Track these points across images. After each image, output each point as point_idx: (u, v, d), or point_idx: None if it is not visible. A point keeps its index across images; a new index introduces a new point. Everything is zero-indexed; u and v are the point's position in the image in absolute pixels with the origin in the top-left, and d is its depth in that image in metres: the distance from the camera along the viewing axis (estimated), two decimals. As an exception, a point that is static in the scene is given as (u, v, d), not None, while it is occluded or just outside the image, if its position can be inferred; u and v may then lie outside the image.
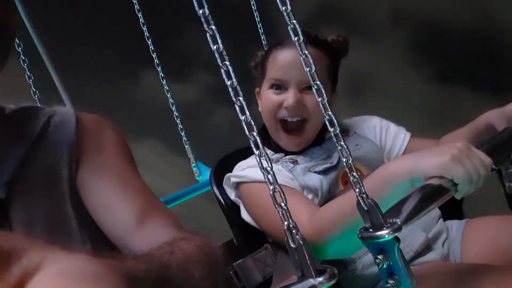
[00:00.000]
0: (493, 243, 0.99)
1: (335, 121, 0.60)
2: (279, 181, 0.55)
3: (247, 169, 0.98)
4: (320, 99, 0.60)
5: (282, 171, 0.98)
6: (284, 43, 1.00)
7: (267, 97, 1.01)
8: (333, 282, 0.50)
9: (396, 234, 0.55)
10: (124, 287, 0.26)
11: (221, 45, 0.50)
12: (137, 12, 1.72)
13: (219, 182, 1.08)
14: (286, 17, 0.57)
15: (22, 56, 1.53)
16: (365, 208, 0.57)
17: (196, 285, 0.48)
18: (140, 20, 1.72)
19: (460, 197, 0.66)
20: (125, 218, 0.62)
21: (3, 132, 0.64)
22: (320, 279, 0.49)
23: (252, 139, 0.53)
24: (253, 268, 0.88)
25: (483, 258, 0.97)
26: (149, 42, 1.74)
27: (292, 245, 0.51)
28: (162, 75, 1.78)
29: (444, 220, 1.08)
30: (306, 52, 0.59)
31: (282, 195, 0.53)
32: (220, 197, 1.08)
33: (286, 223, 0.52)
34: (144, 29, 1.73)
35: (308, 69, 0.60)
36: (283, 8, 0.58)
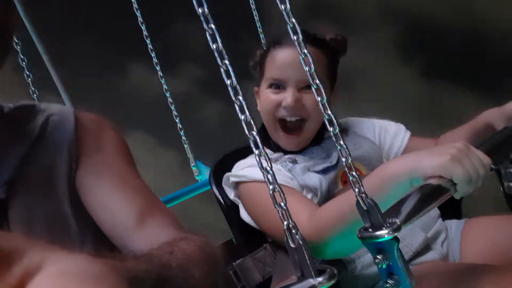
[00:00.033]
0: (492, 243, 0.99)
1: (335, 120, 0.60)
2: (278, 181, 0.55)
3: (246, 169, 0.98)
4: (319, 99, 0.60)
5: (282, 171, 0.98)
6: (282, 42, 1.00)
7: (266, 97, 1.01)
8: (332, 282, 0.50)
9: (396, 234, 0.55)
10: (124, 287, 0.26)
11: (220, 44, 0.50)
12: (135, 8, 1.71)
13: (218, 182, 1.07)
14: (286, 16, 0.57)
15: (20, 55, 1.53)
16: (365, 208, 0.57)
17: (196, 285, 0.48)
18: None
19: (459, 197, 0.66)
20: (125, 218, 0.62)
21: (3, 131, 0.64)
22: (320, 279, 0.50)
23: (252, 138, 0.53)
24: (252, 268, 0.88)
25: (482, 258, 0.97)
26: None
27: (292, 245, 0.51)
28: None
29: (443, 220, 1.08)
30: (305, 51, 0.59)
31: (281, 194, 0.53)
32: (220, 197, 1.08)
33: (285, 223, 0.52)
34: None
35: (307, 69, 0.60)
36: (282, 7, 0.58)
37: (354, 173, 0.58)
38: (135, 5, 1.71)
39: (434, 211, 1.06)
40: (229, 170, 1.03)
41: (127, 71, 2.84)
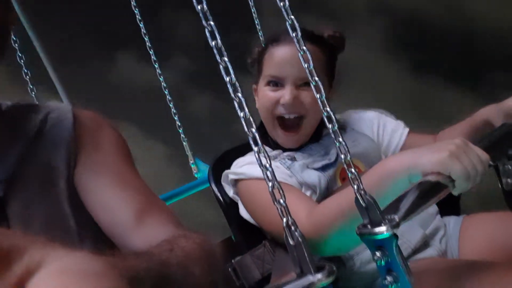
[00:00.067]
0: (491, 239, 1.00)
1: (334, 117, 0.60)
2: (277, 178, 0.55)
3: (245, 166, 0.98)
4: (318, 96, 0.60)
5: (280, 168, 0.98)
6: (280, 39, 1.00)
7: (264, 94, 1.01)
8: (332, 279, 0.50)
9: (395, 230, 0.55)
10: (124, 285, 0.26)
11: (219, 41, 0.50)
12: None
13: (217, 179, 1.07)
14: (284, 13, 0.57)
15: (18, 53, 1.52)
16: (363, 205, 0.57)
17: (196, 282, 0.48)
18: (132, 3, 1.69)
19: (457, 193, 0.66)
20: (124, 216, 0.61)
21: (1, 129, 0.64)
22: (319, 275, 0.50)
23: (251, 135, 0.53)
24: (251, 265, 0.88)
25: (480, 254, 0.98)
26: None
27: (291, 242, 0.51)
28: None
29: (442, 216, 1.08)
30: (304, 48, 0.59)
31: (280, 191, 0.53)
32: (219, 194, 1.08)
33: (285, 219, 0.52)
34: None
35: (306, 65, 0.60)
36: (281, 4, 0.57)
37: (353, 170, 0.58)
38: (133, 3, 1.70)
39: (432, 208, 1.06)
40: (228, 167, 1.03)
41: (116, 61, 2.81)
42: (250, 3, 1.70)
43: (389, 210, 0.58)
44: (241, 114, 0.52)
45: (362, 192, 0.57)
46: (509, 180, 0.74)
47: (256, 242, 0.94)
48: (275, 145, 1.04)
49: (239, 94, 0.52)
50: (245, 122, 0.53)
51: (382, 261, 0.55)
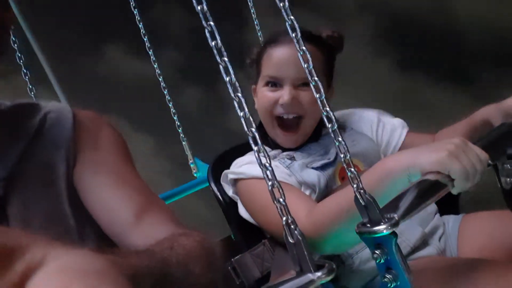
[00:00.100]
0: (489, 238, 1.00)
1: (333, 117, 0.60)
2: (277, 178, 0.55)
3: (244, 166, 0.98)
4: (318, 95, 0.60)
5: (280, 168, 0.98)
6: (278, 40, 1.00)
7: (263, 95, 1.01)
8: (331, 277, 0.50)
9: (394, 229, 0.55)
10: (126, 283, 0.26)
11: (219, 41, 0.50)
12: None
13: (217, 179, 1.08)
14: (284, 13, 0.57)
15: (17, 53, 1.53)
16: (363, 204, 0.57)
17: (196, 280, 0.48)
18: None
19: (456, 192, 0.66)
20: (123, 215, 0.62)
21: (0, 129, 0.64)
22: (319, 274, 0.50)
23: (251, 135, 0.53)
24: (251, 264, 0.88)
25: (479, 253, 0.98)
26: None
27: (291, 240, 0.51)
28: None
29: (441, 215, 1.08)
30: (303, 48, 0.59)
31: (280, 190, 0.53)
32: (218, 194, 1.08)
33: (284, 218, 0.52)
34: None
35: (306, 65, 0.60)
36: (281, 4, 0.58)
37: (352, 169, 0.58)
38: None
39: (432, 207, 1.06)
40: (228, 167, 1.03)
41: (104, 54, 2.77)
42: (249, 3, 1.70)
43: (388, 209, 0.58)
44: (241, 114, 0.52)
45: (362, 191, 0.57)
46: (508, 179, 0.75)
47: (255, 241, 0.94)
48: (274, 145, 1.04)
49: (239, 94, 0.52)
50: (245, 122, 0.53)
51: (382, 260, 0.56)
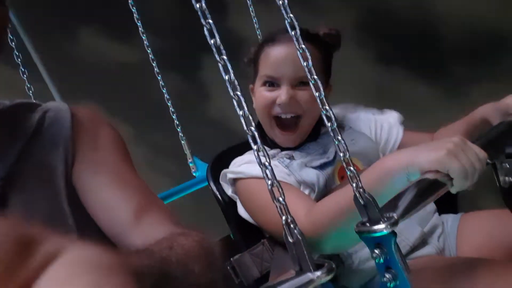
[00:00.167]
0: (488, 237, 1.00)
1: (333, 116, 0.60)
2: (276, 177, 0.55)
3: (243, 165, 0.98)
4: (317, 94, 0.60)
5: (279, 167, 0.98)
6: (276, 39, 1.00)
7: (261, 94, 1.01)
8: (331, 276, 0.50)
9: (393, 228, 0.55)
10: (132, 280, 0.26)
11: (218, 40, 0.50)
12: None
13: (216, 178, 1.08)
14: (283, 11, 0.57)
15: (15, 51, 1.52)
16: (362, 203, 0.57)
17: (196, 280, 0.48)
18: None
19: (455, 191, 0.66)
20: (122, 214, 0.61)
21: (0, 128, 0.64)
22: (318, 273, 0.50)
23: (250, 134, 0.53)
24: (250, 264, 0.88)
25: (478, 252, 0.98)
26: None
27: (290, 240, 0.51)
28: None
29: (439, 214, 1.09)
30: (303, 46, 0.59)
31: (279, 189, 0.53)
32: (217, 193, 1.08)
33: (284, 217, 0.52)
34: None
35: (305, 64, 0.60)
36: (280, 2, 0.57)
37: (352, 168, 0.58)
38: None
39: (430, 206, 1.06)
40: (227, 166, 1.03)
41: (79, 37, 2.71)
42: (248, 2, 1.70)
43: (387, 208, 0.58)
44: (240, 113, 0.52)
45: (361, 190, 0.57)
46: (506, 178, 0.75)
47: (254, 241, 0.94)
48: (273, 145, 1.04)
49: (238, 93, 0.52)
50: (244, 121, 0.53)
51: (381, 259, 0.55)
